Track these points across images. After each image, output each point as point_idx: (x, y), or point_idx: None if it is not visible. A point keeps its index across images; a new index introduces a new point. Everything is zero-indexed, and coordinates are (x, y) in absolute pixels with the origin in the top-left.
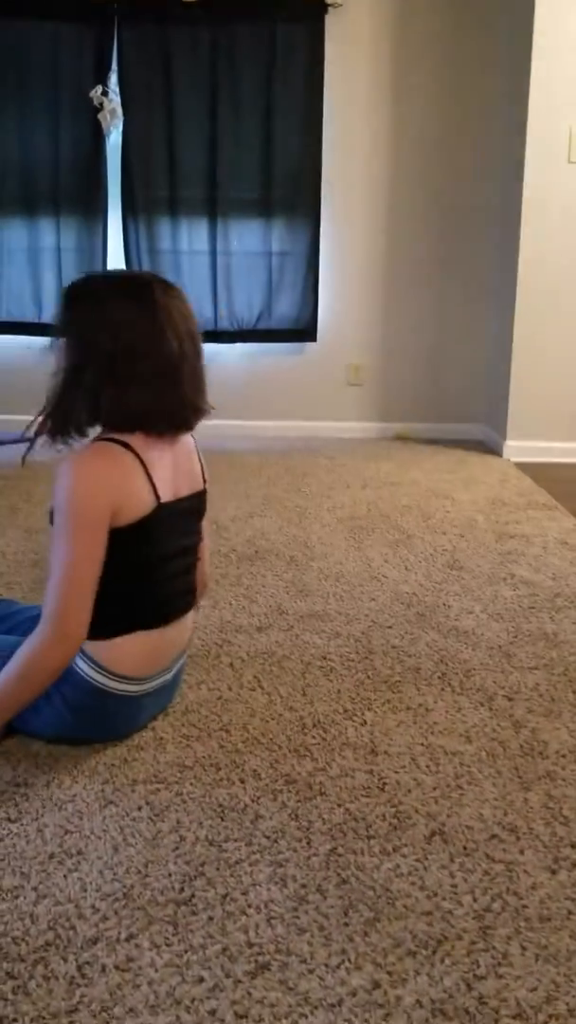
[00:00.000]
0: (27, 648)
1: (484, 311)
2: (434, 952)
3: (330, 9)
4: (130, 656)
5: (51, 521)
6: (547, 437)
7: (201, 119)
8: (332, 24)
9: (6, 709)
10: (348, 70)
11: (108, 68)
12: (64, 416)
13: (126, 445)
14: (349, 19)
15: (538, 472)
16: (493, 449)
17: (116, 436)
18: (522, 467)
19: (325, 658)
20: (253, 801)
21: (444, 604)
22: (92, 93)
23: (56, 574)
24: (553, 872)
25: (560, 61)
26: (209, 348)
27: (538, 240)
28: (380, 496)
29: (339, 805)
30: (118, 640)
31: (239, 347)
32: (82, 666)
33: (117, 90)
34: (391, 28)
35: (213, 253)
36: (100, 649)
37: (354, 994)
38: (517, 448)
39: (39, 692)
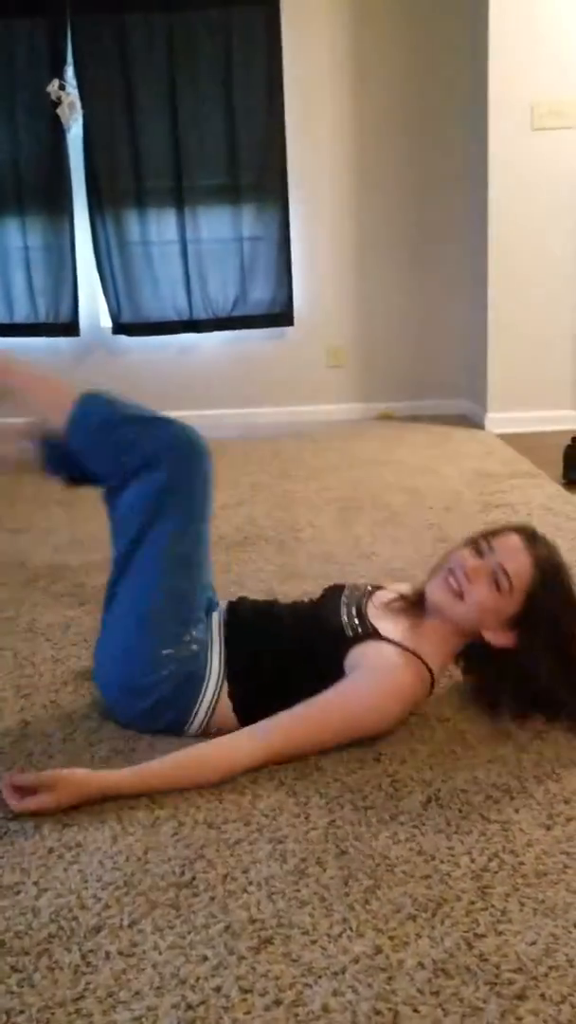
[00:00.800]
0: (222, 747)
1: (458, 285)
2: (434, 914)
3: None
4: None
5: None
6: (527, 407)
7: (162, 108)
8: (288, 5)
9: (153, 788)
10: (307, 51)
11: (63, 61)
12: None
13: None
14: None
15: (520, 442)
16: (476, 422)
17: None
18: (505, 438)
19: None
20: (250, 781)
21: None
22: (49, 88)
23: (313, 715)
24: (548, 828)
25: (518, 30)
26: (187, 338)
27: (507, 210)
28: (367, 475)
29: (336, 779)
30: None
31: (217, 335)
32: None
33: (74, 83)
34: (348, 6)
35: (183, 242)
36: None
37: (357, 961)
38: (499, 420)
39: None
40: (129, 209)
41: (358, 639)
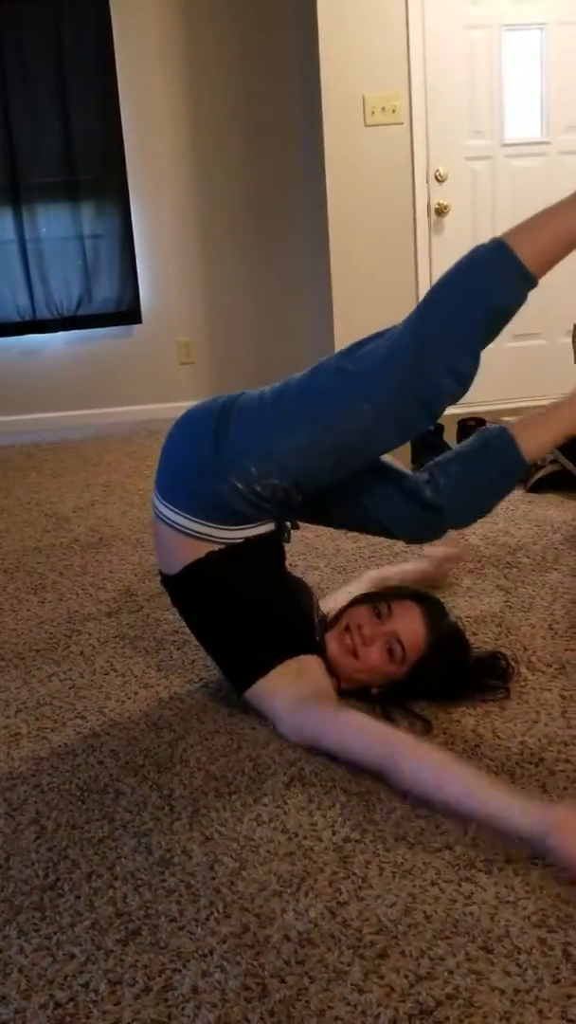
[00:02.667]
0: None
1: (303, 276)
2: (298, 888)
3: None
4: None
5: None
6: None
7: None
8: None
9: None
10: (140, 42)
11: None
12: None
13: None
14: None
15: None
16: None
17: None
18: None
19: (177, 632)
20: (113, 780)
21: (290, 564)
22: None
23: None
24: (405, 796)
25: (346, 29)
26: (31, 339)
27: (344, 205)
28: None
29: (199, 769)
30: None
31: (62, 335)
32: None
33: None
34: (179, 4)
35: (22, 241)
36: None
37: (224, 941)
38: None
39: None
40: None
41: (321, 649)
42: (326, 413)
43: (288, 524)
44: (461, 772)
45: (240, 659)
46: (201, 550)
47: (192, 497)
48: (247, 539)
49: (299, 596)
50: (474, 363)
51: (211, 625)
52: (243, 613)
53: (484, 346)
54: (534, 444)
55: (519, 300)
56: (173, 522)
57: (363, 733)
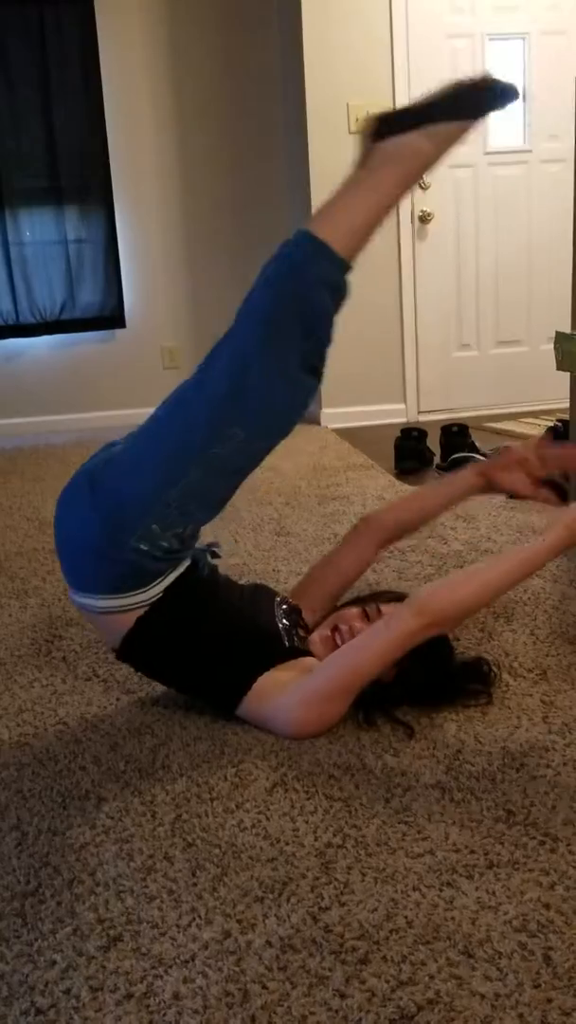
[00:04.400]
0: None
1: None
2: (280, 894)
3: None
4: None
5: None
6: (361, 402)
7: None
8: (102, 6)
9: None
10: (125, 49)
11: None
12: None
13: None
14: None
15: (355, 435)
16: (311, 418)
17: None
18: (339, 432)
19: None
20: (95, 786)
21: (274, 570)
22: None
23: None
24: (387, 800)
25: (330, 37)
26: (15, 343)
27: None
28: None
29: (181, 775)
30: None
31: (46, 339)
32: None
33: None
34: (164, 4)
35: (5, 245)
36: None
37: (206, 947)
38: (334, 415)
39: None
40: None
41: (296, 653)
42: (204, 444)
43: (207, 556)
44: (459, 574)
45: (216, 690)
46: (129, 620)
47: (99, 579)
48: (167, 589)
49: (253, 607)
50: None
51: (175, 676)
52: (197, 654)
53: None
54: (339, 229)
55: (342, 291)
56: (92, 607)
57: (362, 642)
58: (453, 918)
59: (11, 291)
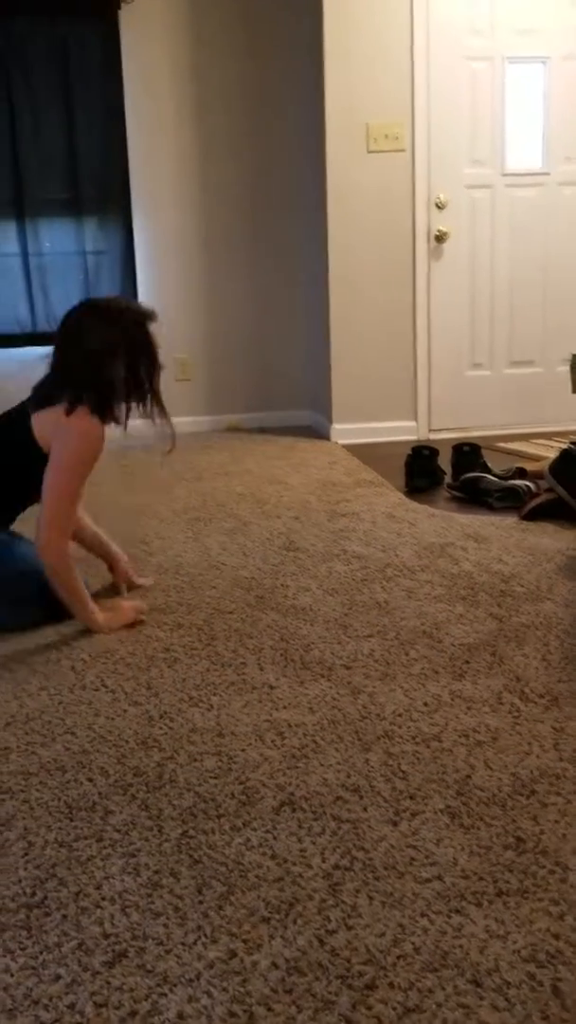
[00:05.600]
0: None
1: (301, 299)
2: (287, 915)
3: (123, 5)
4: None
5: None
6: (370, 418)
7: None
8: (127, 17)
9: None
10: (147, 67)
11: None
12: None
13: None
14: (143, 14)
15: (364, 452)
16: (321, 433)
17: None
18: (349, 448)
19: (168, 650)
20: (102, 798)
21: (282, 585)
22: None
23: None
24: (395, 824)
25: (351, 59)
26: (32, 352)
27: (344, 227)
28: (215, 487)
29: (188, 790)
30: None
31: None
32: None
33: None
34: (187, 20)
35: (25, 255)
36: None
37: (211, 966)
38: (343, 431)
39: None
40: None
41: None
42: None
43: None
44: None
45: None
46: None
47: None
48: None
49: None
50: None
51: None
52: None
53: None
54: None
55: None
56: None
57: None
58: (461, 946)
59: (29, 300)
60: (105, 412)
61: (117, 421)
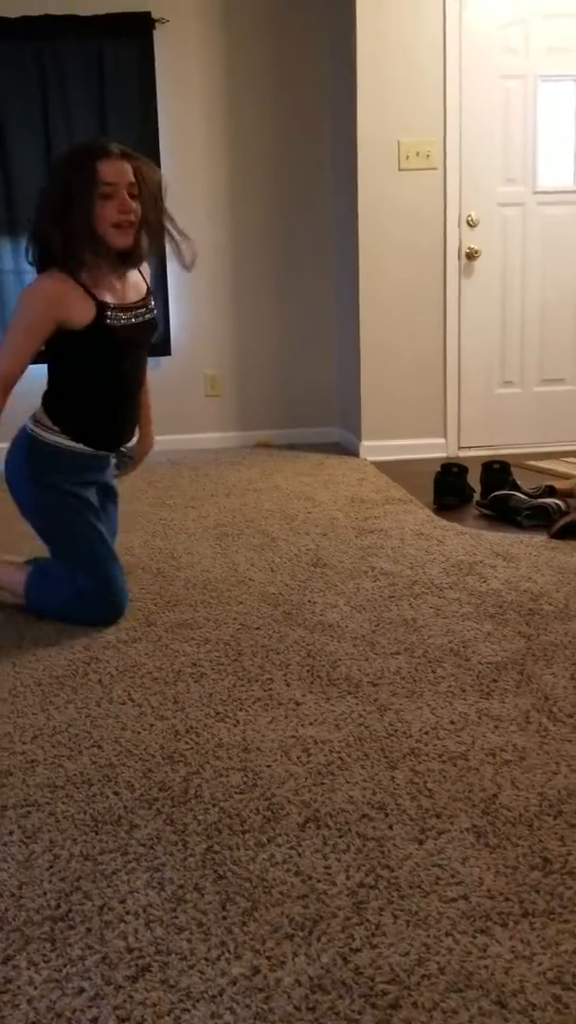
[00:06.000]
0: None
1: (332, 316)
2: (311, 932)
3: (157, 25)
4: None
5: None
6: (400, 435)
7: (35, 138)
8: (161, 38)
9: None
10: (181, 84)
11: None
12: None
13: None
14: (177, 33)
15: (393, 469)
16: (350, 450)
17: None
18: (378, 465)
19: (195, 665)
20: (127, 812)
21: (310, 601)
22: None
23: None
24: (420, 842)
25: (384, 76)
26: None
27: (375, 244)
28: (244, 503)
29: (213, 805)
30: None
31: None
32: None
33: None
34: (220, 42)
35: None
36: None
37: (235, 983)
38: (372, 448)
39: None
40: (1, 238)
41: None
42: None
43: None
44: None
45: None
46: None
47: None
48: None
49: None
50: None
51: None
52: None
53: None
54: None
55: None
56: None
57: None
58: (486, 966)
59: None
60: (43, 264)
61: (78, 270)
